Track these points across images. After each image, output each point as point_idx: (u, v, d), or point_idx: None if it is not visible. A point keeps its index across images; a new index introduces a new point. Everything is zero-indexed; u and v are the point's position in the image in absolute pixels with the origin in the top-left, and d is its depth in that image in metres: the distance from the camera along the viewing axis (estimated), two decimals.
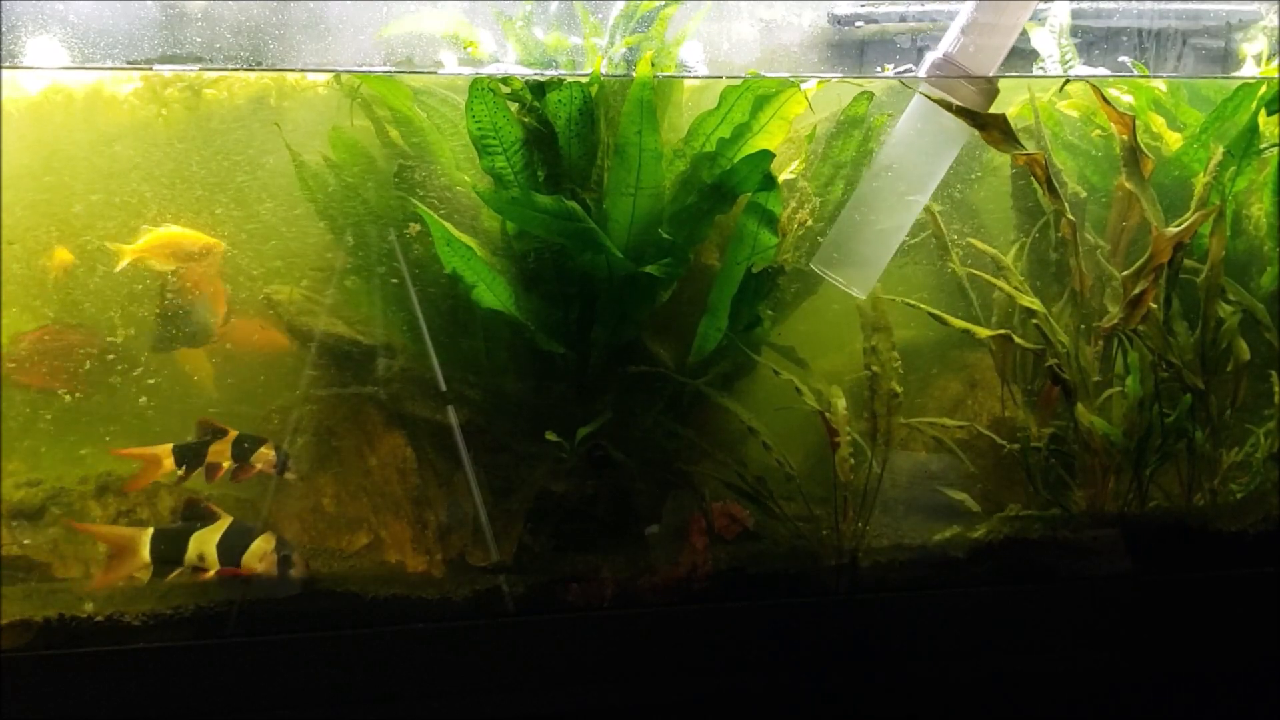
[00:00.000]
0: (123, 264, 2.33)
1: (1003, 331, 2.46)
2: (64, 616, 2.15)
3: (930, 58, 2.31)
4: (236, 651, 2.16)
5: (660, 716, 2.34)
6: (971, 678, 2.43)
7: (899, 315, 2.47)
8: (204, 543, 2.18)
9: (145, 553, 2.17)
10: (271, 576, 2.19)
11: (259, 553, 2.19)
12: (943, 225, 2.61)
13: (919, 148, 2.36)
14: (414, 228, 2.34)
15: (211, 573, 2.18)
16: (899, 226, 2.42)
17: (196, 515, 2.21)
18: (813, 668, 2.37)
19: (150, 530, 2.19)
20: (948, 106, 2.22)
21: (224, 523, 2.19)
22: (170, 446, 2.27)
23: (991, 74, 2.29)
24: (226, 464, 2.27)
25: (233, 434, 2.28)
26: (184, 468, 2.27)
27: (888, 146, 2.39)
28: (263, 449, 2.28)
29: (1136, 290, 2.36)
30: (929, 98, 2.27)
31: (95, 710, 2.10)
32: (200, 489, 2.34)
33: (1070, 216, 2.41)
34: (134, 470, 2.28)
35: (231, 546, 2.18)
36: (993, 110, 2.28)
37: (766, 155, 2.22)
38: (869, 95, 2.49)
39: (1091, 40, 2.68)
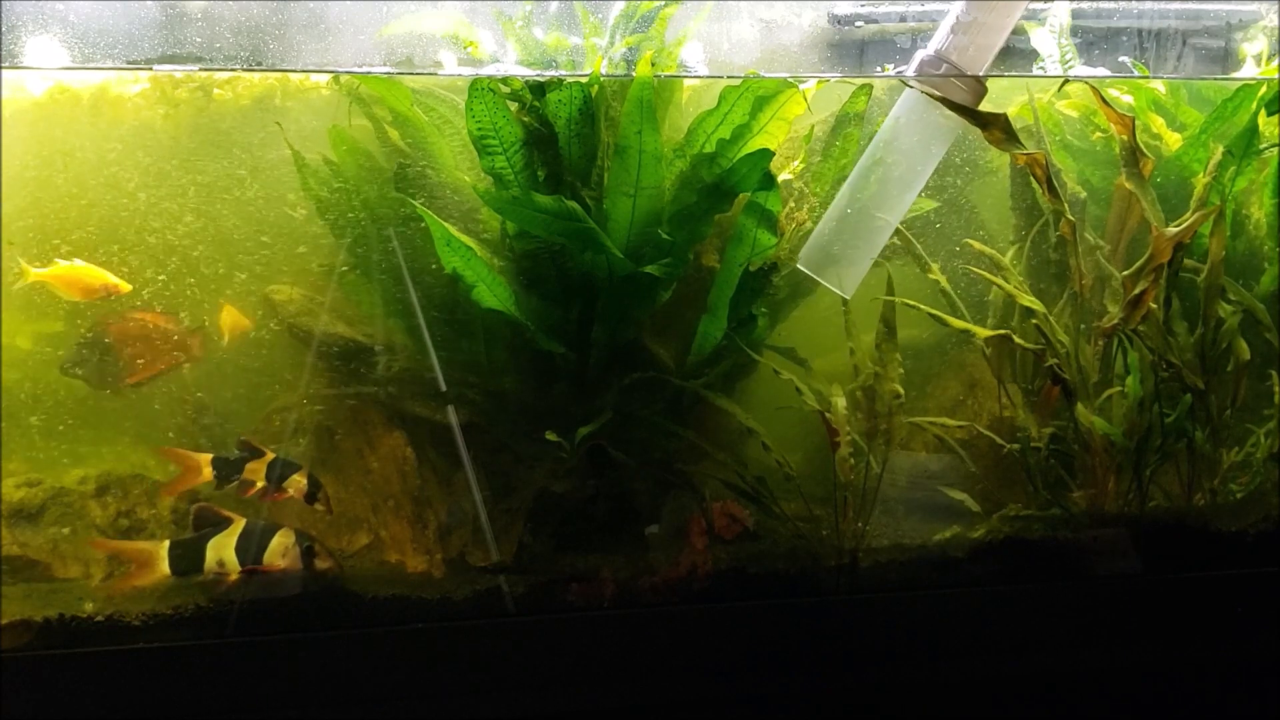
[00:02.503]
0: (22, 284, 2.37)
1: (1003, 331, 2.45)
2: (64, 616, 2.15)
3: (920, 55, 2.31)
4: (236, 651, 2.16)
5: (660, 716, 2.34)
6: (972, 678, 2.43)
7: (898, 315, 2.47)
8: (221, 548, 2.18)
9: (164, 565, 2.18)
10: (296, 571, 2.19)
11: (279, 549, 2.18)
12: (913, 239, 2.59)
13: (907, 145, 2.36)
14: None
15: (234, 576, 2.19)
16: (885, 225, 2.40)
17: (209, 522, 2.21)
18: (813, 668, 2.37)
19: (166, 543, 2.19)
20: (946, 103, 2.22)
21: (238, 525, 2.19)
22: (210, 457, 2.28)
23: (982, 73, 2.29)
24: (260, 484, 2.27)
25: (269, 455, 2.28)
26: (218, 481, 2.28)
27: (875, 144, 2.38)
28: (296, 475, 2.28)
29: (1136, 290, 2.36)
30: (926, 94, 2.26)
31: (95, 710, 2.10)
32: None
33: (1070, 216, 2.41)
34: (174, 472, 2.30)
35: (250, 547, 2.18)
36: (990, 110, 2.28)
37: (766, 154, 2.22)
38: (868, 89, 2.49)
39: (1091, 40, 2.68)
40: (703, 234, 2.36)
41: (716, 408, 2.45)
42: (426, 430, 2.44)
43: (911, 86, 2.31)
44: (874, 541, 2.46)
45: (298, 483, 2.28)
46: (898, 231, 2.57)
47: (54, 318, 2.45)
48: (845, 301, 2.45)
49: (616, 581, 2.33)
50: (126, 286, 2.38)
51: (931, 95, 2.27)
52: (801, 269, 2.40)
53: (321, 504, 2.30)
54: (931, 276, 2.54)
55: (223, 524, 2.19)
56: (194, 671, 2.14)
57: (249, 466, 2.27)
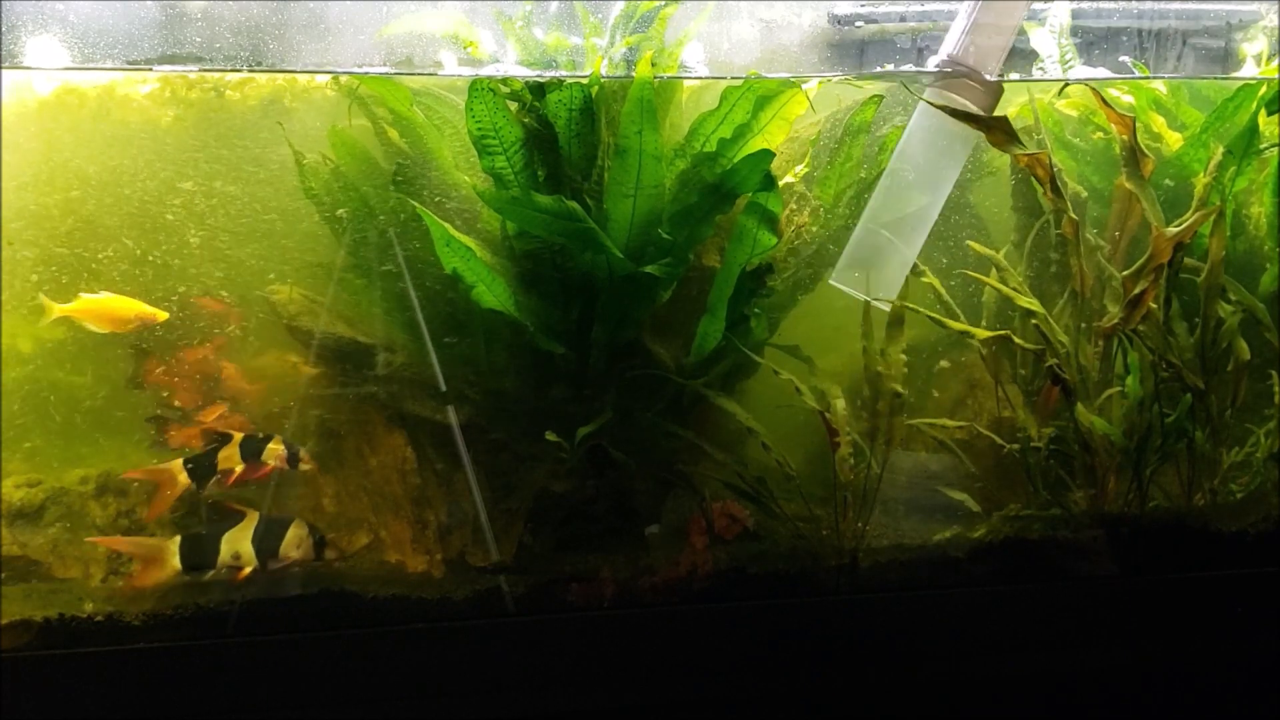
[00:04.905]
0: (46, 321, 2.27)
1: (1003, 332, 2.45)
2: (64, 616, 2.15)
3: (934, 62, 2.31)
4: (236, 651, 2.16)
5: (660, 716, 2.34)
6: (972, 677, 2.43)
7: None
8: (237, 541, 2.18)
9: (175, 561, 2.18)
10: (310, 562, 2.20)
11: (295, 540, 2.19)
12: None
13: (930, 153, 2.37)
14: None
15: (248, 569, 2.19)
16: (917, 233, 2.42)
17: (222, 516, 2.21)
18: (813, 668, 2.37)
19: (177, 539, 2.20)
20: (951, 112, 2.22)
21: (252, 519, 2.19)
22: (180, 461, 2.26)
23: (993, 74, 2.29)
24: (238, 468, 2.26)
25: (238, 436, 2.27)
26: (196, 481, 2.26)
27: (899, 154, 2.39)
28: (271, 444, 2.27)
29: (1136, 290, 2.36)
30: (931, 104, 2.27)
31: (95, 710, 2.10)
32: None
33: (1072, 215, 2.41)
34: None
35: (266, 540, 2.18)
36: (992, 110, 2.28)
37: (767, 155, 2.22)
38: (877, 100, 2.49)
39: (1091, 40, 2.68)
40: (703, 234, 2.36)
41: (716, 407, 2.45)
42: (427, 430, 2.44)
43: (909, 89, 2.31)
44: (874, 541, 2.47)
45: (275, 450, 2.26)
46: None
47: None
48: (867, 304, 2.44)
49: (616, 581, 2.33)
50: (162, 315, 2.28)
51: (931, 103, 2.28)
52: (835, 284, 2.41)
53: (306, 463, 2.29)
54: (925, 280, 2.54)
55: (236, 518, 2.19)
56: (194, 671, 2.14)
57: (222, 455, 2.26)
